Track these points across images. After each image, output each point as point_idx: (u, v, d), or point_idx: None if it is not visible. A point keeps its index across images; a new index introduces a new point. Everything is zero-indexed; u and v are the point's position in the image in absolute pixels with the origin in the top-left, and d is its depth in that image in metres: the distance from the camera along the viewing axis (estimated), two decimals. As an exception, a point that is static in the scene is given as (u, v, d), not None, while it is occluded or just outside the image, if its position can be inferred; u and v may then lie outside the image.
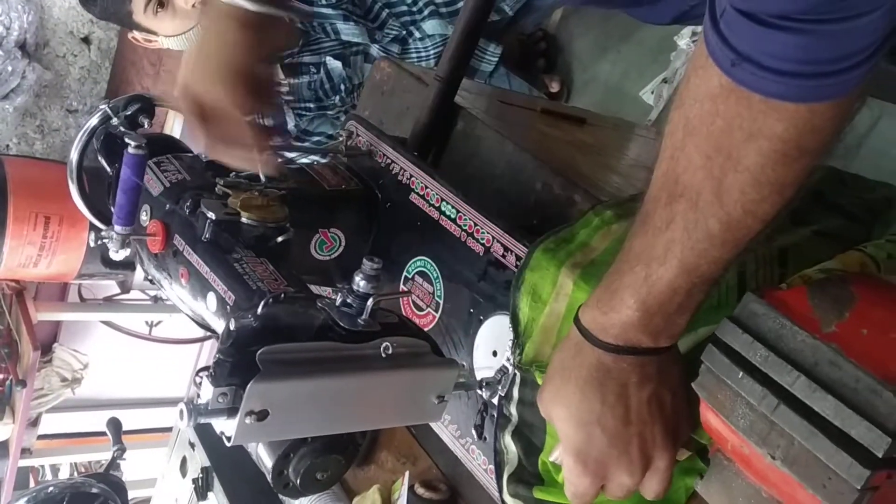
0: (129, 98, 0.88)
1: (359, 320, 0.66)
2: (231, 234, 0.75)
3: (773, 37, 0.44)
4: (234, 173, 0.82)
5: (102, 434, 2.93)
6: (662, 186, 0.54)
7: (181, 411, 0.58)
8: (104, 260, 2.42)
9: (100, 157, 0.87)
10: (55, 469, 2.93)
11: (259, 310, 0.62)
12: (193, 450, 1.27)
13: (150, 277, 0.84)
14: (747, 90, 0.46)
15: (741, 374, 0.51)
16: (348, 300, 0.67)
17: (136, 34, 1.58)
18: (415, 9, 1.76)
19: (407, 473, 0.94)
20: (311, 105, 1.72)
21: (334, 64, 1.70)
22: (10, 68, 2.40)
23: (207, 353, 3.04)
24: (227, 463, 1.23)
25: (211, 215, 0.74)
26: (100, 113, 0.87)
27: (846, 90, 0.46)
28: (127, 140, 0.75)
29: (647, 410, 0.61)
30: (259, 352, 0.59)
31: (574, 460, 0.62)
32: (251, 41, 0.75)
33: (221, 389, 0.59)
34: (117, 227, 0.77)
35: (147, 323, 2.75)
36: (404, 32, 1.75)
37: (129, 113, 0.87)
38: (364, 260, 0.66)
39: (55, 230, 2.34)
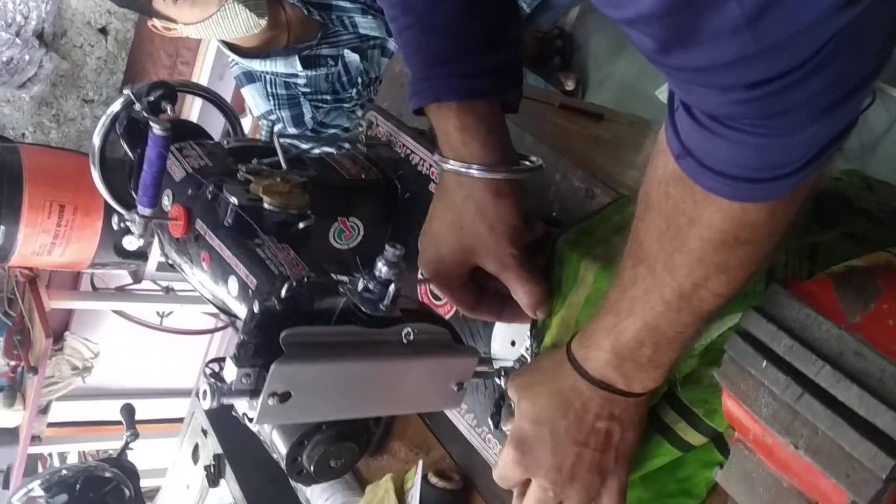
0: (152, 84, 0.89)
1: (380, 306, 0.66)
2: (253, 219, 0.75)
3: (707, 137, 0.45)
4: (255, 160, 0.82)
5: (111, 423, 2.95)
6: (630, 248, 0.58)
7: (204, 391, 0.59)
8: (117, 249, 2.44)
9: (122, 143, 0.87)
10: (63, 457, 2.95)
11: (282, 293, 0.62)
12: (206, 437, 1.28)
13: (170, 262, 0.84)
14: (691, 181, 0.49)
15: (765, 363, 0.51)
16: (370, 286, 0.67)
17: (156, 22, 1.58)
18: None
19: (420, 462, 0.95)
20: (328, 97, 1.73)
21: (352, 57, 1.71)
22: (27, 57, 2.41)
23: (217, 344, 3.05)
24: (239, 450, 1.24)
25: (234, 200, 0.75)
26: (123, 98, 0.88)
27: (775, 196, 0.47)
28: (152, 122, 0.75)
29: (594, 440, 0.66)
30: (283, 334, 0.60)
31: (514, 447, 0.67)
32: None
33: (245, 370, 0.59)
34: (140, 210, 0.77)
35: (158, 313, 2.77)
36: (421, 27, 1.76)
37: (152, 99, 0.87)
38: (386, 246, 0.67)
39: (69, 219, 2.36)
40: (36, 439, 2.60)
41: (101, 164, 0.91)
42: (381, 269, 0.66)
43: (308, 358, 0.61)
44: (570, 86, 2.11)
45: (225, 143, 0.88)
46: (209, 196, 0.78)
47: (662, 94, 1.87)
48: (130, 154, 0.87)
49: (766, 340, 0.52)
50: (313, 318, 0.64)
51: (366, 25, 1.70)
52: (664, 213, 0.53)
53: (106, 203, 2.61)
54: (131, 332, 2.84)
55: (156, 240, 2.47)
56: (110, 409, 3.05)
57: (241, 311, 0.74)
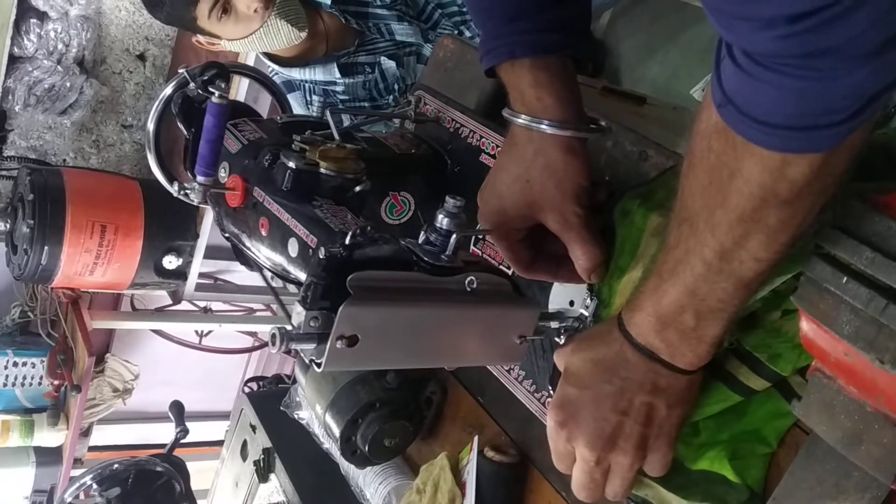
0: (206, 64, 0.91)
1: (442, 256, 0.66)
2: (310, 183, 0.76)
3: (748, 82, 0.44)
4: (309, 131, 0.83)
5: (151, 446, 2.96)
6: (676, 208, 0.58)
7: (273, 335, 0.59)
8: (157, 269, 2.45)
9: (178, 122, 0.89)
10: (104, 482, 2.95)
11: (347, 240, 0.63)
12: (255, 432, 1.28)
13: (226, 234, 0.85)
14: (732, 130, 0.48)
15: (845, 279, 0.51)
16: (431, 238, 0.67)
17: (200, 38, 1.62)
18: (466, 9, 1.78)
19: (476, 438, 0.94)
20: (366, 104, 1.74)
21: (389, 64, 1.73)
22: (68, 84, 2.47)
23: (255, 364, 3.06)
24: (288, 444, 1.24)
25: (291, 164, 0.76)
26: (176, 79, 0.89)
27: (819, 147, 0.46)
28: (211, 89, 0.77)
29: (635, 411, 0.65)
30: (350, 277, 0.60)
31: (557, 411, 0.67)
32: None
33: (313, 313, 0.59)
34: (200, 178, 0.78)
35: (197, 332, 2.79)
36: (456, 32, 1.78)
37: (206, 78, 0.89)
38: (447, 197, 0.67)
39: (111, 239, 2.39)
40: (78, 462, 2.60)
41: (156, 149, 0.93)
42: (443, 220, 0.67)
43: (375, 301, 0.61)
44: (603, 92, 2.11)
45: (278, 119, 0.90)
46: (266, 163, 0.79)
47: (698, 92, 1.87)
48: (186, 132, 0.89)
49: (846, 256, 0.51)
50: (377, 267, 0.64)
51: (402, 32, 1.72)
52: (707, 168, 0.52)
53: (146, 223, 2.65)
54: (170, 355, 2.86)
55: (194, 260, 2.50)
56: (150, 433, 3.06)
57: (300, 273, 0.75)
